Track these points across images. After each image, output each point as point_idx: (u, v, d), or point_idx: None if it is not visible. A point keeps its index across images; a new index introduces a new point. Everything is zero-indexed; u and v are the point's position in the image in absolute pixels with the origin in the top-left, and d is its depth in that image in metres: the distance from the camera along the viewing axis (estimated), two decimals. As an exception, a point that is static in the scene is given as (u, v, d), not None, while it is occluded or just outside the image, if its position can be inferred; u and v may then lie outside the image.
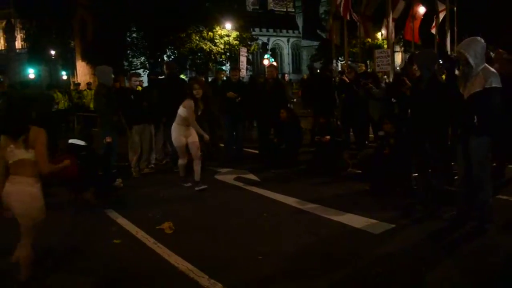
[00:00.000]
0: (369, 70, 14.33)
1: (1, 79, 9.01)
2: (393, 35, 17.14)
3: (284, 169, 7.95)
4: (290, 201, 6.07)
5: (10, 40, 63.22)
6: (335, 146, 7.72)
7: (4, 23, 65.13)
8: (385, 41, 34.43)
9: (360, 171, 7.33)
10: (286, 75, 13.86)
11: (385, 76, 12.12)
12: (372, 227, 4.95)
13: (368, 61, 30.17)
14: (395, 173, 6.20)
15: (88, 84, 18.74)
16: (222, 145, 9.49)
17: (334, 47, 20.94)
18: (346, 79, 9.28)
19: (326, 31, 22.48)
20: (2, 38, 65.89)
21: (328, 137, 7.72)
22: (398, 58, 37.55)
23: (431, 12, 19.73)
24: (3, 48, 65.32)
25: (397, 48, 38.65)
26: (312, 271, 3.95)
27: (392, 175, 6.22)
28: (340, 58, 36.56)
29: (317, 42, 48.32)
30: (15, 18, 56.46)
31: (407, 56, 13.52)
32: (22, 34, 50.75)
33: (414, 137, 5.35)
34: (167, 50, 31.42)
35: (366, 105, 8.90)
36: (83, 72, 25.90)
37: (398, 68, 19.16)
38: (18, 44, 60.15)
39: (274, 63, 25.08)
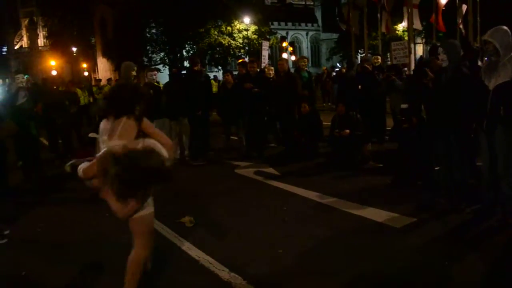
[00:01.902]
0: (388, 62, 14.15)
1: (27, 77, 9.16)
2: (417, 22, 16.79)
3: (304, 163, 7.92)
4: (311, 195, 6.04)
5: (33, 37, 64.44)
6: (355, 139, 7.64)
7: (27, 21, 66.40)
8: (406, 33, 33.98)
9: (381, 165, 7.24)
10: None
11: (405, 69, 11.95)
12: (394, 220, 4.89)
13: (388, 54, 29.81)
14: (417, 166, 6.11)
15: (109, 80, 18.95)
16: (236, 138, 9.50)
17: (354, 39, 20.71)
18: (369, 67, 9.21)
19: (344, 22, 22.16)
20: (25, 36, 67.24)
21: (347, 131, 7.65)
22: (420, 50, 36.90)
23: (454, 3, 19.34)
24: (26, 46, 66.66)
25: (418, 39, 38.02)
26: (333, 266, 3.93)
27: (413, 168, 6.13)
28: (360, 51, 36.17)
29: (336, 35, 47.82)
30: (37, 16, 57.51)
31: (429, 48, 13.29)
32: (44, 32, 51.63)
33: (437, 130, 5.25)
34: (186, 45, 31.54)
35: (384, 97, 8.80)
36: (103, 68, 26.31)
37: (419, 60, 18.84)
38: (41, 41, 61.26)
39: (285, 56, 24.90)
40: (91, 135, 3.81)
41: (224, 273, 3.88)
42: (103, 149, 3.15)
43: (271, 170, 7.65)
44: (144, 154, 3.01)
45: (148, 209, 3.50)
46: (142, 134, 3.23)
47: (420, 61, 12.56)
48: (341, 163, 7.51)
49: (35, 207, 6.36)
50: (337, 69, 22.52)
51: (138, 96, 3.30)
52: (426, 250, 4.15)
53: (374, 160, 7.71)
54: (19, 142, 7.51)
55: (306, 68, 9.40)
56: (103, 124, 3.42)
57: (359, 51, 35.72)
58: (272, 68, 10.06)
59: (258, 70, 9.85)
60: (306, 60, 9.86)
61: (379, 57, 11.10)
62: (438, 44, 6.25)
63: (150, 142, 3.17)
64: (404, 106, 6.64)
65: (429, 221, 4.87)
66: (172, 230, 4.99)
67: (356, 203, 5.52)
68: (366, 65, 9.44)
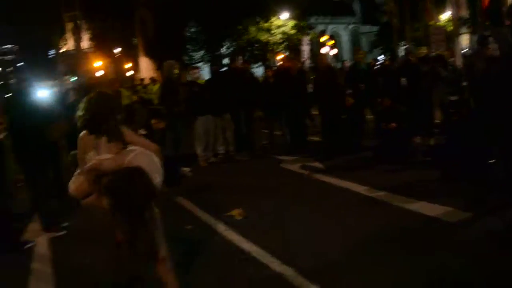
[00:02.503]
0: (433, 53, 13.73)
1: (73, 78, 9.50)
2: (462, 10, 16.19)
3: (349, 157, 7.85)
4: (359, 188, 5.98)
5: (77, 40, 66.71)
6: (402, 133, 7.49)
7: (71, 25, 68.83)
8: (450, 23, 32.84)
9: (430, 158, 7.07)
10: (345, 62, 13.59)
11: (452, 59, 11.58)
12: (447, 215, 4.75)
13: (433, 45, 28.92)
14: (468, 159, 5.92)
15: (151, 78, 19.33)
16: (279, 133, 9.49)
17: (396, 31, 20.22)
18: (413, 59, 9.00)
19: (385, 14, 21.71)
20: (70, 39, 69.74)
21: (394, 124, 7.51)
22: (465, 40, 35.59)
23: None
24: (72, 48, 69.11)
25: (463, 29, 36.63)
26: (387, 261, 3.86)
27: (464, 162, 5.95)
28: (401, 43, 35.28)
29: (376, 27, 46.88)
30: (80, 20, 59.49)
31: (477, 37, 12.79)
32: (88, 34, 53.31)
33: (492, 122, 5.07)
34: (225, 43, 31.80)
35: (430, 90, 8.56)
36: (146, 68, 26.89)
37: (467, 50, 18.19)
38: (85, 43, 63.33)
39: (325, 51, 24.52)
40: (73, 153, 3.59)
41: (275, 264, 3.91)
42: (89, 163, 3.09)
43: (316, 164, 7.62)
44: (132, 172, 2.93)
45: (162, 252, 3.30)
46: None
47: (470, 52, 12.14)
48: (388, 156, 7.38)
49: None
50: (380, 62, 22.08)
51: (112, 111, 3.24)
52: (482, 246, 3.99)
53: (422, 154, 7.52)
54: (70, 141, 7.80)
55: (363, 61, 9.23)
56: (85, 138, 3.18)
57: (401, 43, 34.86)
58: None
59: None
60: (362, 52, 9.66)
61: (424, 47, 10.80)
62: (487, 33, 6.03)
63: (137, 152, 3.10)
64: (453, 98, 6.46)
65: (485, 216, 4.69)
66: (222, 223, 5.08)
67: (407, 197, 5.40)
68: (410, 57, 9.22)
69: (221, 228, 4.96)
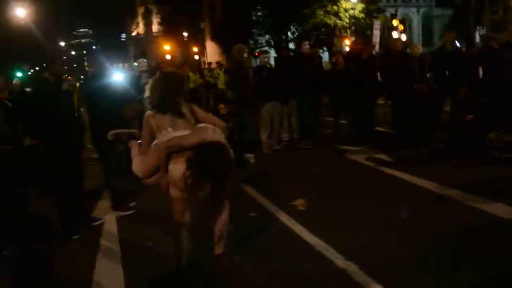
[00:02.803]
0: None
1: (145, 60, 9.76)
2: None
3: (419, 150, 7.47)
4: (428, 184, 5.66)
5: (148, 24, 69.03)
6: (479, 126, 6.99)
7: (142, 9, 71.24)
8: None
9: (510, 155, 6.58)
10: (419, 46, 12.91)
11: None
12: (525, 218, 4.39)
13: (512, 30, 26.84)
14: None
15: (218, 62, 19.54)
16: (345, 121, 9.24)
17: (473, 14, 18.99)
18: (495, 45, 8.33)
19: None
20: (141, 23, 72.30)
21: (471, 116, 7.02)
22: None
23: None
24: (142, 32, 71.63)
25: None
26: (457, 263, 3.65)
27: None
28: (478, 27, 33.11)
29: (451, 10, 44.35)
30: (151, 4, 61.33)
31: None
32: (158, 19, 54.91)
33: None
34: (291, 27, 31.46)
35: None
36: (212, 52, 27.25)
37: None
38: (155, 27, 65.36)
39: (396, 35, 23.50)
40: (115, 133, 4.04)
41: (339, 260, 3.80)
42: (163, 139, 3.29)
43: (383, 156, 7.32)
44: (217, 147, 3.17)
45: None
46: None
47: None
48: (461, 151, 6.94)
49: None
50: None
51: (184, 90, 3.51)
52: None
53: (501, 150, 7.00)
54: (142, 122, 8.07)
55: (451, 44, 8.61)
56: (157, 116, 3.35)
57: (478, 27, 32.71)
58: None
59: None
60: (450, 34, 8.83)
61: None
62: None
63: (213, 128, 3.30)
64: None
65: None
66: (285, 212, 5.02)
67: (481, 197, 5.03)
68: (492, 43, 8.53)
69: (284, 217, 4.90)
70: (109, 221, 5.27)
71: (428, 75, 8.62)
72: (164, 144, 3.29)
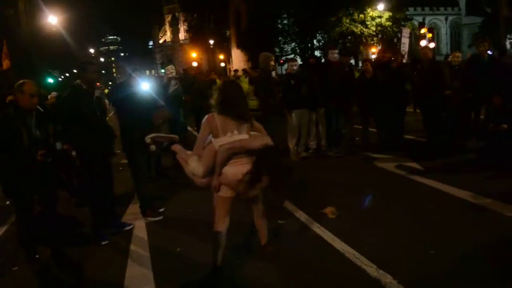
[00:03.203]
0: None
1: (174, 66, 9.87)
2: None
3: (451, 159, 7.30)
4: (462, 194, 5.52)
5: (175, 32, 70.07)
6: (514, 135, 6.78)
7: (170, 17, 72.42)
8: None
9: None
10: (450, 56, 12.60)
11: None
12: None
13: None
14: None
15: (244, 70, 19.63)
16: (374, 129, 9.11)
17: (504, 22, 18.62)
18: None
19: (492, 5, 19.94)
20: (168, 30, 73.44)
21: (505, 125, 6.82)
22: None
23: None
24: (169, 40, 72.71)
25: None
26: (493, 275, 3.53)
27: None
28: (509, 36, 32.39)
29: (480, 18, 43.47)
30: (179, 12, 62.32)
31: None
32: (185, 26, 55.70)
33: None
34: (317, 35, 31.41)
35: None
36: (237, 59, 27.41)
37: None
38: (182, 35, 66.28)
39: (424, 44, 23.05)
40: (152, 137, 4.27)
41: (372, 269, 3.73)
42: (225, 141, 3.53)
43: (414, 164, 7.18)
44: (272, 151, 3.63)
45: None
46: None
47: None
48: (495, 161, 6.73)
49: (184, 189, 6.81)
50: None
51: (245, 98, 3.81)
52: None
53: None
54: (172, 128, 8.15)
55: (486, 54, 8.41)
56: (216, 119, 3.58)
57: (508, 35, 31.96)
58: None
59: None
60: (486, 43, 8.54)
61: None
62: None
63: (264, 135, 3.72)
64: None
65: None
66: (315, 220, 4.97)
67: (515, 206, 4.90)
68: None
69: (314, 225, 4.85)
70: (139, 226, 5.30)
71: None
72: (229, 146, 3.51)
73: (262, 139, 3.62)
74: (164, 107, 6.19)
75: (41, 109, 4.63)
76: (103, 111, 5.27)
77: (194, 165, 3.65)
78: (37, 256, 4.53)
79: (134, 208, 5.90)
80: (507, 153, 6.72)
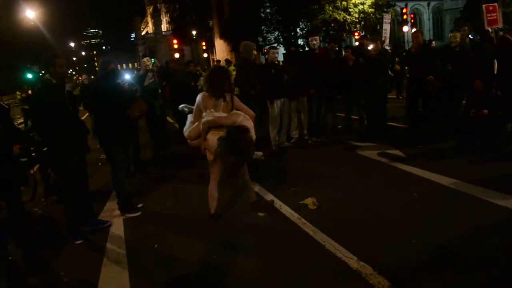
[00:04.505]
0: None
1: (152, 60, 9.67)
2: None
3: (432, 145, 7.27)
4: (444, 180, 5.48)
5: (157, 23, 69.22)
6: (495, 120, 6.76)
7: (151, 8, 71.50)
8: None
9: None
10: (433, 42, 12.53)
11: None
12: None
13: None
14: None
15: (226, 60, 19.42)
16: (357, 117, 9.05)
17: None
18: (510, 38, 8.04)
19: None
20: (150, 22, 72.55)
21: (486, 111, 6.79)
22: None
23: None
24: (151, 31, 71.87)
25: None
26: (475, 262, 3.49)
27: None
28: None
29: (462, 3, 43.65)
30: (160, 3, 61.49)
31: None
32: (167, 18, 55.01)
33: None
34: (300, 23, 31.20)
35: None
36: (221, 50, 27.12)
37: None
38: (164, 26, 65.51)
39: (406, 29, 23.10)
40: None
41: (352, 261, 3.66)
42: (207, 117, 4.50)
43: (396, 151, 7.13)
44: (241, 130, 4.35)
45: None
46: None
47: None
48: (476, 146, 6.72)
49: (163, 183, 6.72)
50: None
51: (227, 79, 4.60)
52: None
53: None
54: (148, 121, 7.99)
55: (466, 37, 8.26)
56: (202, 98, 4.56)
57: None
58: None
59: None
60: (466, 28, 8.41)
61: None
62: None
63: (244, 115, 4.48)
64: None
65: None
66: (295, 212, 4.88)
67: (500, 192, 4.86)
68: (508, 36, 8.25)
69: (294, 216, 4.76)
70: (116, 223, 5.16)
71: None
72: (206, 120, 4.50)
73: (233, 118, 4.42)
74: (140, 100, 6.04)
75: (5, 106, 4.45)
76: (74, 106, 5.09)
77: (186, 130, 4.82)
78: (10, 258, 4.37)
79: (111, 205, 5.76)
80: (489, 138, 6.72)
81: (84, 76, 7.88)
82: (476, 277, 3.27)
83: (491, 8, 13.62)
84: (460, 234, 3.99)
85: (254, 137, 4.49)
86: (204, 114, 4.54)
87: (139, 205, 5.59)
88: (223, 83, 4.51)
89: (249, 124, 4.46)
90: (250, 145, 4.41)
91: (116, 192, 5.56)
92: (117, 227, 5.04)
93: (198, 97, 4.58)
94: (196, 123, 4.66)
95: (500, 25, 11.57)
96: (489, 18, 13.08)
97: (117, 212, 5.44)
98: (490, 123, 6.75)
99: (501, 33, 9.67)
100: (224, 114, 4.46)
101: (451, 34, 8.16)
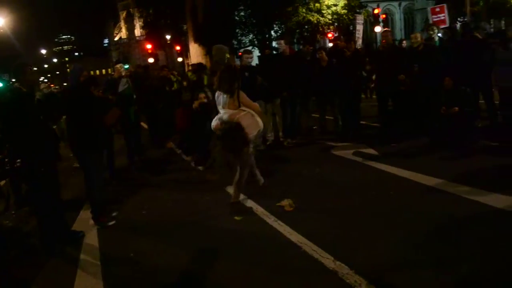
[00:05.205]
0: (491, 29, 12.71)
1: (125, 66, 9.55)
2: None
3: (406, 143, 7.38)
4: (417, 177, 5.57)
5: (130, 28, 68.46)
6: (465, 117, 6.90)
7: (124, 13, 70.70)
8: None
9: (496, 143, 6.51)
10: (404, 41, 12.72)
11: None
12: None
13: (492, 20, 27.02)
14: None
15: (199, 64, 19.28)
16: (331, 117, 9.11)
17: (453, 6, 19.09)
18: (479, 36, 8.25)
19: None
20: (124, 27, 71.73)
21: (456, 108, 6.93)
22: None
23: None
24: (125, 37, 71.06)
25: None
26: (449, 257, 3.54)
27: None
28: (459, 19, 33.33)
29: (432, 2, 44.54)
30: (133, 8, 60.85)
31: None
32: (140, 22, 54.45)
33: None
34: (275, 26, 31.32)
35: (490, 69, 7.80)
36: (195, 54, 26.99)
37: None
38: (138, 31, 64.84)
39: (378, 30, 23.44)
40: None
41: (329, 261, 3.67)
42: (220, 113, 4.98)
43: (370, 150, 7.21)
44: (234, 127, 4.69)
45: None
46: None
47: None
48: (448, 142, 6.85)
49: (139, 189, 6.62)
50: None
51: (233, 77, 4.88)
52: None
53: (486, 138, 6.95)
54: (123, 127, 7.87)
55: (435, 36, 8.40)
56: (217, 96, 5.03)
57: (459, 18, 32.93)
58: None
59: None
60: (434, 28, 8.64)
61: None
62: None
63: (245, 112, 4.83)
64: None
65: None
66: (271, 214, 4.88)
67: (471, 187, 4.97)
68: (477, 34, 8.45)
69: (271, 219, 4.75)
70: (90, 233, 5.04)
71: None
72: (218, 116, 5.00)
73: (232, 115, 4.79)
74: (114, 107, 5.96)
75: None
76: (45, 115, 4.98)
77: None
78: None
79: (85, 214, 5.64)
80: (460, 133, 6.85)
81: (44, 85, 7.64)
82: (451, 273, 3.31)
83: (437, 9, 14.21)
84: (436, 231, 4.05)
85: (253, 133, 4.79)
86: (219, 109, 5.02)
87: (114, 214, 5.49)
88: (228, 81, 4.84)
89: (247, 121, 4.74)
90: (241, 142, 4.71)
91: (90, 200, 5.45)
92: (92, 237, 4.93)
93: (216, 94, 5.10)
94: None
95: (447, 24, 11.89)
96: (435, 19, 13.59)
97: (91, 221, 5.32)
98: (461, 119, 6.89)
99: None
100: (231, 111, 4.82)
101: (412, 35, 8.31)
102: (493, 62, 7.59)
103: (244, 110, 4.84)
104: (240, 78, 5.03)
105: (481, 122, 7.78)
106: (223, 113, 4.90)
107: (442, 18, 13.88)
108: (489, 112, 8.10)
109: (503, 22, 34.81)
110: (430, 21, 12.19)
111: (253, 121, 4.79)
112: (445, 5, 13.68)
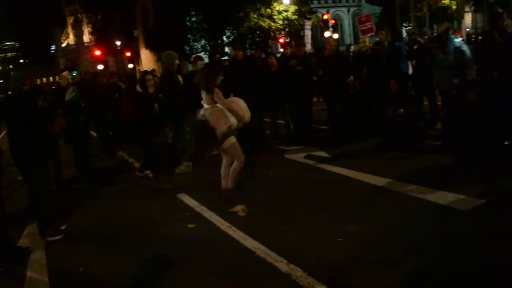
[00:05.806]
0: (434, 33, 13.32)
1: (74, 73, 9.28)
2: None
3: (355, 145, 7.59)
4: (367, 178, 5.73)
5: (78, 34, 66.46)
6: (410, 118, 7.18)
7: (72, 19, 68.61)
8: (454, 2, 32.19)
9: (440, 143, 6.80)
10: (352, 46, 13.05)
11: (460, 38, 11.14)
12: (460, 203, 4.52)
13: (435, 25, 28.38)
14: (483, 141, 5.65)
15: (152, 70, 19.06)
16: (283, 122, 9.22)
17: (400, 12, 19.88)
18: (421, 40, 8.63)
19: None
20: (71, 33, 69.57)
21: (402, 110, 7.20)
22: (468, 18, 35.05)
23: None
24: (73, 43, 68.94)
25: (467, 8, 36.00)
26: (397, 254, 3.66)
27: (478, 144, 5.67)
28: (404, 24, 34.73)
29: (379, 8, 46.13)
30: (81, 14, 59.16)
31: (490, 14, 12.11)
32: (89, 28, 53.07)
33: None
34: (227, 31, 31.43)
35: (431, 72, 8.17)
36: (147, 60, 26.70)
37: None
38: (86, 37, 63.04)
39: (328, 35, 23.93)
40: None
41: (282, 264, 3.70)
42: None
43: (322, 153, 7.36)
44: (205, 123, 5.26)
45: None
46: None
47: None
48: (395, 143, 7.10)
49: (88, 201, 6.44)
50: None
51: (210, 76, 5.34)
52: (498, 234, 3.78)
53: (431, 138, 7.26)
54: (70, 137, 7.64)
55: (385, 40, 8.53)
56: (203, 93, 5.33)
57: (404, 24, 34.30)
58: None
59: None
60: (383, 32, 8.68)
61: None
62: (500, 9, 5.70)
63: (214, 109, 5.24)
64: (456, 81, 6.14)
65: (500, 203, 4.44)
66: (225, 220, 4.86)
67: (417, 185, 5.17)
68: (419, 38, 8.84)
69: (224, 225, 4.74)
70: (37, 249, 4.81)
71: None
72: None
73: (205, 111, 5.32)
74: (60, 115, 5.76)
75: None
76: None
77: None
78: None
79: (31, 229, 5.39)
80: (405, 135, 7.12)
81: None
82: (402, 272, 3.40)
83: (364, 18, 15.08)
84: (387, 230, 4.17)
85: (221, 129, 5.15)
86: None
87: (62, 227, 5.28)
88: (204, 79, 5.29)
89: (215, 117, 5.18)
90: (208, 136, 5.26)
91: (36, 214, 5.23)
92: (38, 253, 4.70)
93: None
94: None
95: (374, 32, 12.53)
96: (362, 28, 14.40)
97: (38, 236, 5.10)
98: (406, 121, 7.16)
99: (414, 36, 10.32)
100: (207, 107, 5.28)
101: (360, 39, 8.61)
102: (433, 66, 7.95)
103: (217, 107, 5.21)
104: (218, 76, 5.41)
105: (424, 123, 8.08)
106: (202, 109, 5.42)
107: (369, 26, 14.67)
108: (433, 113, 8.47)
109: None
110: (359, 32, 12.83)
111: (221, 117, 5.15)
112: (370, 14, 14.63)
